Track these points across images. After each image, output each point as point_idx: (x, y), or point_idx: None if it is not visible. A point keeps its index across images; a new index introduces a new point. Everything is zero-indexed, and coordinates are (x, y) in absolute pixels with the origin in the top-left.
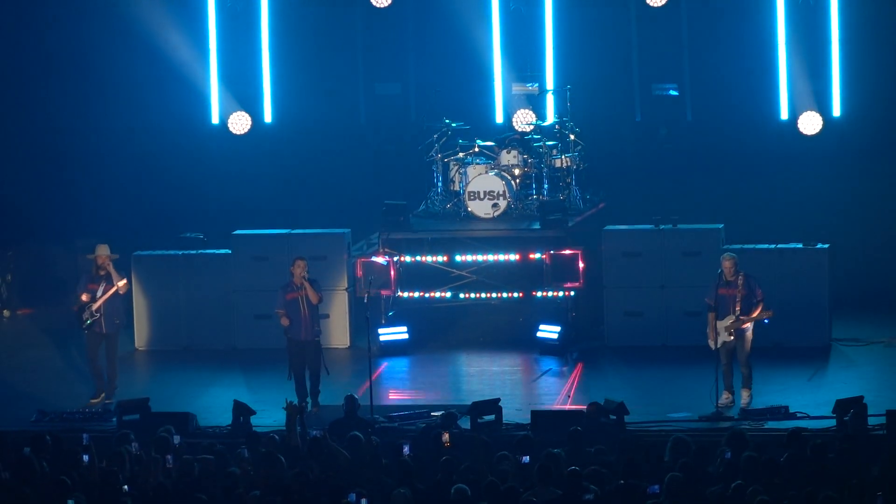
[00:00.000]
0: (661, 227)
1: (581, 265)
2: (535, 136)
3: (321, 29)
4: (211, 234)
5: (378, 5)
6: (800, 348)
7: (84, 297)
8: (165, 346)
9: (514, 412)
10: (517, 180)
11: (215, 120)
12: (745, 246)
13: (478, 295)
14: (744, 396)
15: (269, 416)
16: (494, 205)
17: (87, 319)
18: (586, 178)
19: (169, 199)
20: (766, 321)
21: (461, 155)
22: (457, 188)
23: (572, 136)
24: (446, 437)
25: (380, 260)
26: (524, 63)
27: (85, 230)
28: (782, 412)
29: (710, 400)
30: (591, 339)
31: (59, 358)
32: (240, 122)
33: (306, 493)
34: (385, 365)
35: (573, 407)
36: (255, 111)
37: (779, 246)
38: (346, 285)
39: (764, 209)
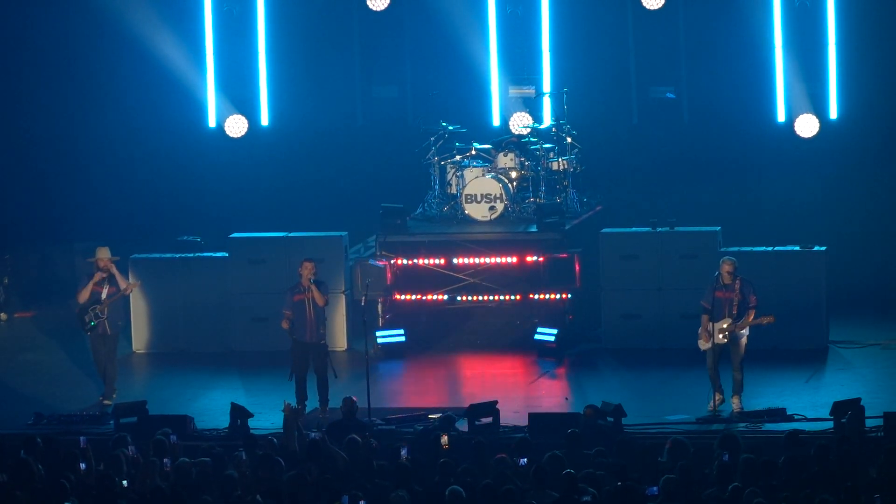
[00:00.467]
0: (659, 229)
1: (577, 268)
2: (531, 139)
3: (318, 32)
4: (208, 237)
5: (375, 8)
6: (797, 351)
7: (84, 297)
8: (163, 348)
9: (512, 414)
10: (514, 183)
11: (212, 123)
12: (742, 248)
13: (475, 298)
14: (735, 404)
15: (267, 418)
16: (491, 208)
17: (91, 321)
18: (583, 180)
19: (166, 202)
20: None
21: (458, 158)
22: (454, 191)
23: (569, 139)
24: (445, 439)
25: (377, 263)
26: (521, 66)
27: (83, 233)
28: (780, 414)
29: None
30: (589, 342)
31: (57, 361)
32: (236, 126)
33: (304, 496)
34: (383, 368)
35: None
36: (251, 114)
37: (776, 248)
38: (344, 288)
39: (761, 212)
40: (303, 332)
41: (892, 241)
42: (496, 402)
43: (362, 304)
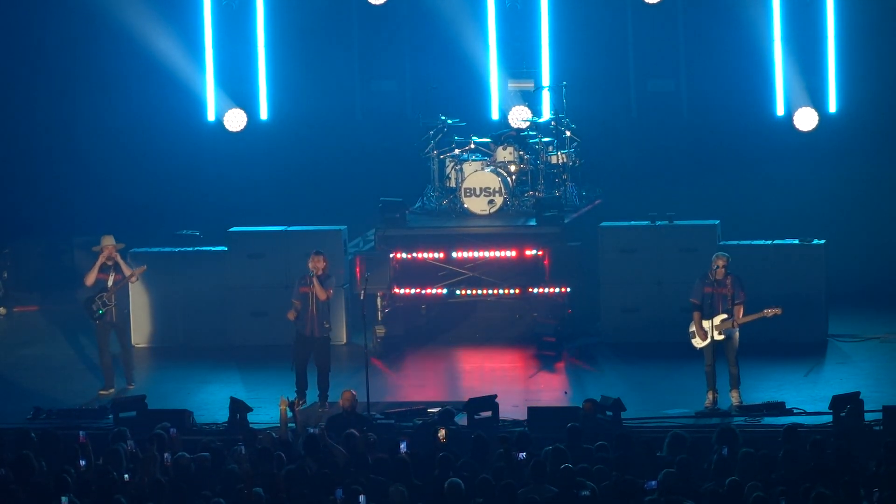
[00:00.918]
0: (658, 223)
1: (576, 262)
2: (531, 133)
3: (317, 25)
4: (207, 231)
5: (373, 2)
6: (796, 344)
7: (91, 280)
8: (162, 343)
9: (511, 408)
10: (513, 177)
11: (211, 117)
12: (742, 242)
13: (474, 291)
14: (734, 398)
15: (266, 412)
16: (490, 201)
17: (99, 309)
18: (582, 174)
19: (165, 196)
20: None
21: (457, 152)
22: (453, 185)
23: (568, 133)
24: (442, 432)
25: (376, 257)
26: (520, 59)
27: (82, 228)
28: (779, 408)
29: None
30: (588, 336)
31: (56, 355)
32: (235, 120)
33: (302, 490)
34: (381, 362)
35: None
36: (250, 108)
37: (775, 242)
38: (343, 282)
39: (760, 205)
40: (303, 325)
41: (891, 235)
42: (495, 396)
43: (361, 298)
